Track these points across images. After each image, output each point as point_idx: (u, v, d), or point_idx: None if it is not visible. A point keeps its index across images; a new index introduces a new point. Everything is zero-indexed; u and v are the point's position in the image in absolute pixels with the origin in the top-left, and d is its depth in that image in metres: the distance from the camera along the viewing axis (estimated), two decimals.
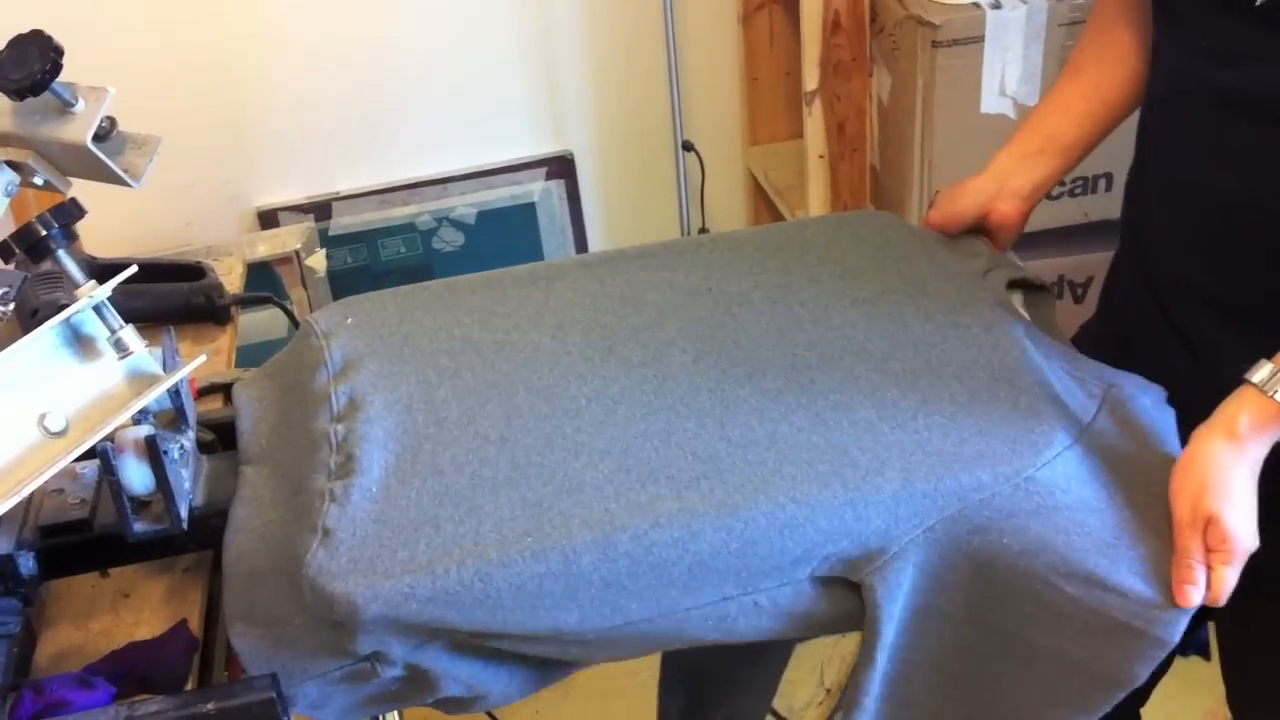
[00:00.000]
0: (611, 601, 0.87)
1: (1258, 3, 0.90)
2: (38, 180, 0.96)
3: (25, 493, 0.82)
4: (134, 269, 0.91)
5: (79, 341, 0.89)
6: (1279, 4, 0.90)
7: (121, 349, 0.89)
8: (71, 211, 0.89)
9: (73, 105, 0.92)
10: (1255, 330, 1.00)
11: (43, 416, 0.85)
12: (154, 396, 0.90)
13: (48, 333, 0.86)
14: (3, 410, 0.84)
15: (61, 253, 0.89)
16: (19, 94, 0.89)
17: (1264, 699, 1.13)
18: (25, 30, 0.91)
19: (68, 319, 0.88)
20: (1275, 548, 0.94)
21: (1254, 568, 0.93)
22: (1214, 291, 1.04)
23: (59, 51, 0.89)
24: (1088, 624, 0.89)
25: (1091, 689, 0.92)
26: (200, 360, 0.93)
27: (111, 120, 0.95)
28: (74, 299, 0.84)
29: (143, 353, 0.90)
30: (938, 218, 1.19)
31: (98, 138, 0.93)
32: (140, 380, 0.90)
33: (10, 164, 0.94)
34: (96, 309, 0.89)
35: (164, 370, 0.93)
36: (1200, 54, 0.99)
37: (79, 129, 0.92)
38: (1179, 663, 1.14)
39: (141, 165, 0.97)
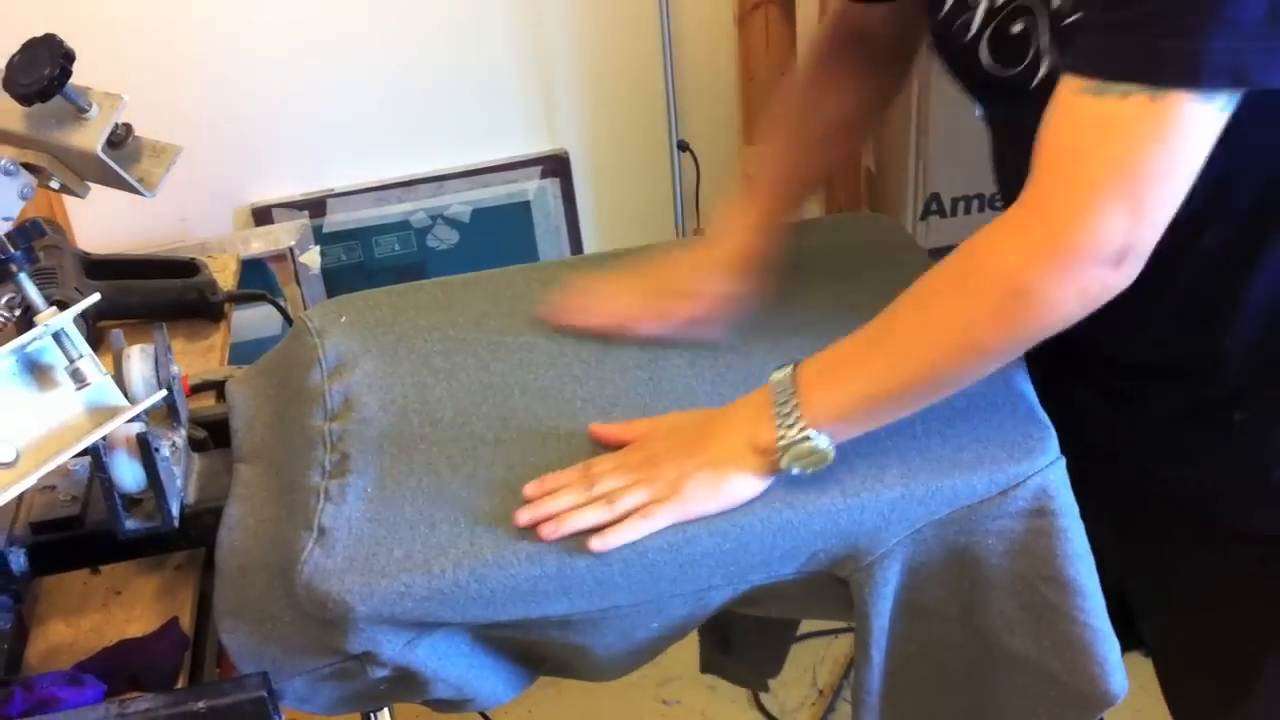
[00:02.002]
0: (601, 593, 0.87)
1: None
2: (54, 184, 0.94)
3: None
4: (96, 297, 0.88)
5: (37, 370, 0.85)
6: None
7: (79, 379, 0.85)
8: (32, 233, 0.86)
9: (86, 111, 0.90)
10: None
11: None
12: (113, 428, 0.86)
13: (2, 359, 0.83)
14: None
15: (22, 276, 0.85)
16: (26, 99, 0.88)
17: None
18: (14, 25, 0.90)
19: (23, 347, 0.84)
20: (1177, 558, 0.95)
21: (1164, 582, 0.94)
22: None
23: (69, 57, 0.87)
24: (1065, 634, 0.90)
25: (1068, 706, 0.93)
26: (160, 395, 0.90)
27: (127, 127, 0.93)
28: (69, 296, 0.83)
29: (101, 383, 0.86)
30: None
31: (112, 144, 0.92)
32: (100, 411, 0.87)
33: (27, 166, 0.92)
34: (56, 336, 0.85)
35: (156, 367, 0.93)
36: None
37: (91, 136, 0.90)
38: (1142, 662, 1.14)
39: (158, 174, 0.95)
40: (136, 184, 0.94)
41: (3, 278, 0.85)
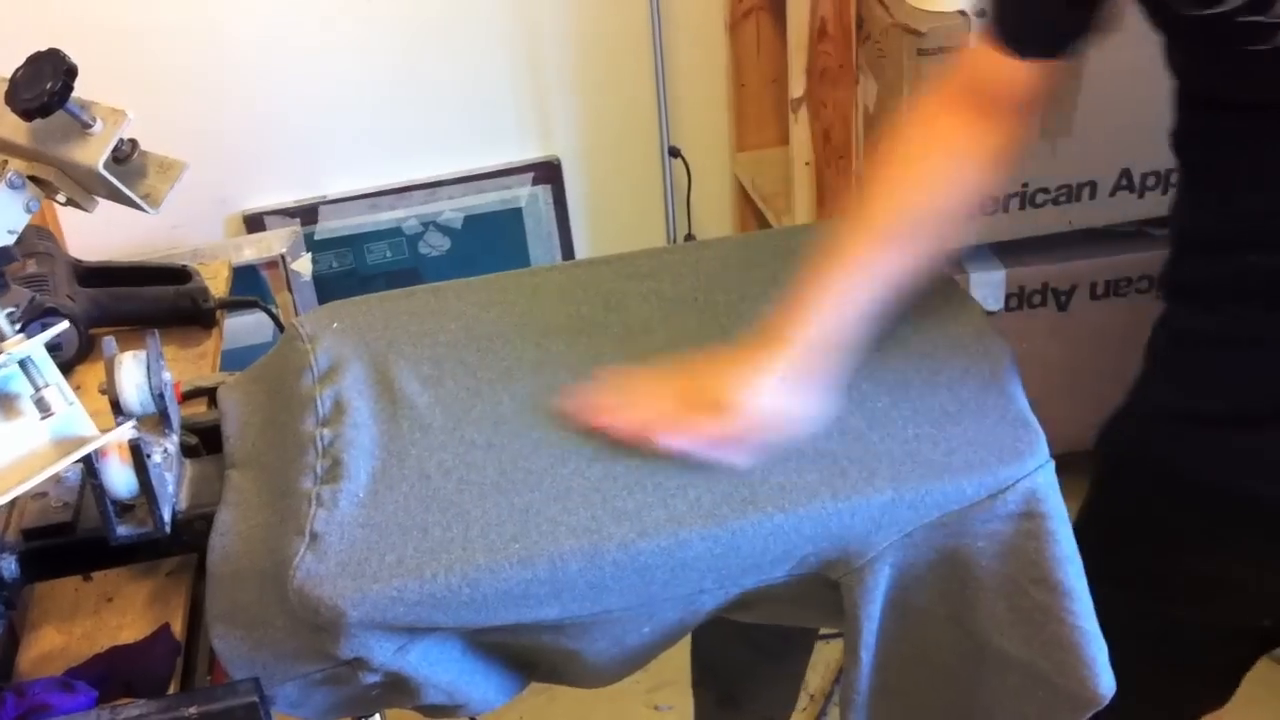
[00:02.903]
0: (593, 597, 0.88)
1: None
2: (60, 198, 0.94)
3: None
4: (64, 326, 0.86)
5: (3, 398, 0.83)
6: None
7: (44, 409, 0.82)
8: (0, 259, 0.86)
9: (90, 127, 0.89)
10: None
11: None
12: (79, 457, 0.84)
13: None
14: None
15: None
16: (28, 114, 0.87)
17: None
18: (8, 33, 0.89)
19: None
20: None
21: None
22: None
23: (72, 73, 0.86)
24: (1055, 635, 0.91)
25: (1058, 707, 0.94)
26: (132, 423, 0.88)
27: (133, 143, 0.92)
28: (61, 304, 0.83)
29: (68, 413, 0.83)
30: None
31: (116, 160, 0.91)
32: (67, 442, 0.84)
33: (34, 179, 0.91)
34: (22, 364, 0.82)
35: (148, 374, 0.93)
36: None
37: (94, 151, 0.89)
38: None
39: (163, 190, 0.93)
40: (140, 200, 0.93)
41: None
